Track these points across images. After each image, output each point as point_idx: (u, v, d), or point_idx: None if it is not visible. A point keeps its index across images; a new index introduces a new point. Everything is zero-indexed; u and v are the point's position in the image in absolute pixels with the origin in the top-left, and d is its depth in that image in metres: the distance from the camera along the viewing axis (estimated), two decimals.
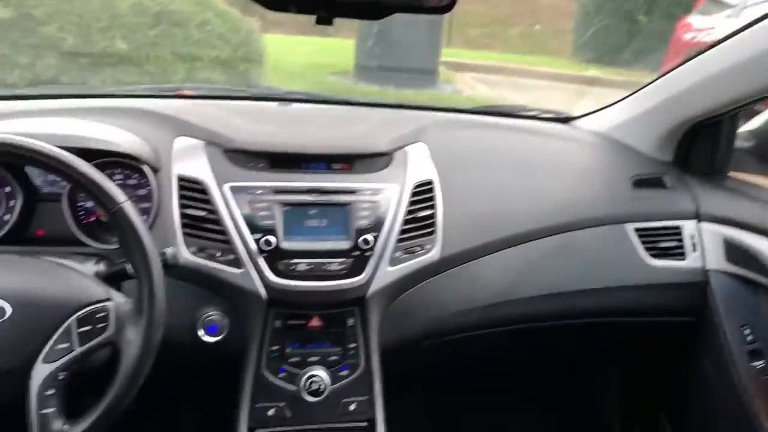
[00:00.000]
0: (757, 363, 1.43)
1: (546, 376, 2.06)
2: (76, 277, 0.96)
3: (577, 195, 1.49)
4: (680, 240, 1.50)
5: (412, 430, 1.78)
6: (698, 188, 1.56)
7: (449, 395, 1.99)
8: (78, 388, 0.95)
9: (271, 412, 1.20)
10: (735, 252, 1.46)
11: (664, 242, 1.49)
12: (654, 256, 1.48)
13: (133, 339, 0.91)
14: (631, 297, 1.47)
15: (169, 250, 1.04)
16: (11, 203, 1.18)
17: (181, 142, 1.27)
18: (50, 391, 0.88)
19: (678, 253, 1.49)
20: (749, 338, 1.44)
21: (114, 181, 1.21)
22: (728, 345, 1.46)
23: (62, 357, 0.88)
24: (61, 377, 0.88)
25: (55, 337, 0.89)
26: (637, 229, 1.49)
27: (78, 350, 0.89)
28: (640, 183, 1.55)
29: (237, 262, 1.17)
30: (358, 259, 1.20)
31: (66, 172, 0.91)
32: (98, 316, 0.91)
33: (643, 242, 1.48)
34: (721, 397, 1.50)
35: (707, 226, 1.51)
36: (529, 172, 1.50)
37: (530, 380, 2.03)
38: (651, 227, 1.50)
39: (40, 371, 0.88)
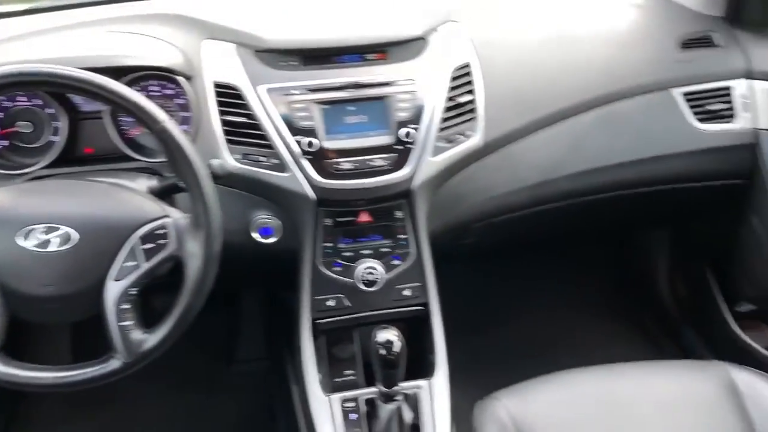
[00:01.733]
0: None
1: (593, 242, 2.10)
2: (132, 197, 0.99)
3: (621, 62, 1.43)
4: (729, 101, 1.45)
5: (463, 306, 1.86)
6: (750, 43, 1.48)
7: (497, 269, 2.05)
8: (151, 298, 1.01)
9: (330, 303, 1.25)
10: None
11: (713, 105, 1.44)
12: (702, 120, 1.44)
13: (194, 251, 0.95)
14: (680, 164, 1.45)
15: (215, 162, 1.05)
16: (56, 125, 1.19)
17: (211, 46, 1.24)
18: (125, 306, 0.93)
19: (727, 115, 1.45)
20: None
21: (150, 93, 1.21)
22: None
23: (131, 274, 0.93)
24: (132, 292, 0.93)
25: (121, 256, 0.92)
26: (685, 94, 1.44)
27: (145, 267, 0.93)
28: (688, 44, 1.48)
29: (282, 166, 1.18)
30: (400, 152, 1.20)
31: (104, 96, 0.90)
32: (158, 232, 0.94)
33: (691, 106, 1.44)
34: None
35: (759, 84, 1.45)
36: (570, 42, 1.43)
37: (578, 247, 2.07)
38: (699, 90, 1.44)
39: (112, 289, 0.92)
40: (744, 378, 1.13)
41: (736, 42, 1.49)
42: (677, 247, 1.90)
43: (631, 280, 2.10)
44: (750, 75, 1.45)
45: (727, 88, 1.45)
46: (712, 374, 1.15)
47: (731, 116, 1.45)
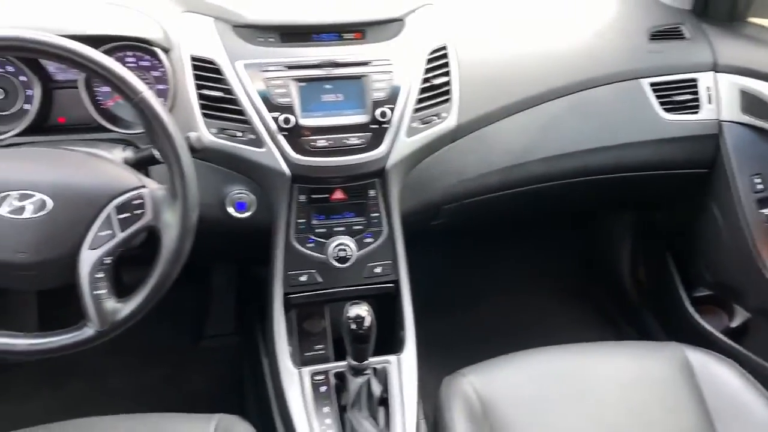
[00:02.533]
0: (765, 210, 1.48)
1: (559, 226, 2.15)
2: (109, 166, 0.98)
3: (592, 52, 1.46)
4: (696, 93, 1.49)
5: (432, 286, 1.90)
6: (716, 37, 1.53)
7: (465, 251, 2.09)
8: (126, 267, 1.01)
9: (303, 279, 1.27)
10: (751, 102, 1.46)
11: (679, 96, 1.49)
12: (669, 110, 1.48)
13: (171, 222, 0.95)
14: (646, 152, 1.49)
15: (192, 134, 1.05)
16: (29, 93, 1.18)
17: (190, 19, 1.24)
18: (99, 275, 0.93)
19: (693, 106, 1.49)
20: (759, 187, 1.48)
21: (126, 64, 1.20)
22: (738, 193, 1.50)
23: (106, 243, 0.93)
24: (107, 261, 0.93)
25: (96, 225, 0.92)
26: (653, 84, 1.48)
27: (120, 236, 0.93)
28: (657, 35, 1.52)
29: (258, 142, 1.18)
30: (376, 132, 1.21)
31: (83, 65, 0.90)
32: (135, 203, 0.94)
33: (659, 97, 1.48)
34: (726, 241, 1.56)
35: (724, 77, 1.50)
36: (543, 30, 1.47)
37: (545, 231, 2.12)
38: (667, 81, 1.48)
39: (87, 257, 0.92)
40: (698, 358, 1.18)
41: (703, 35, 1.53)
42: (640, 232, 1.96)
43: (594, 263, 2.16)
44: (715, 68, 1.50)
45: (694, 80, 1.50)
46: (668, 354, 1.19)
47: (696, 107, 1.50)
